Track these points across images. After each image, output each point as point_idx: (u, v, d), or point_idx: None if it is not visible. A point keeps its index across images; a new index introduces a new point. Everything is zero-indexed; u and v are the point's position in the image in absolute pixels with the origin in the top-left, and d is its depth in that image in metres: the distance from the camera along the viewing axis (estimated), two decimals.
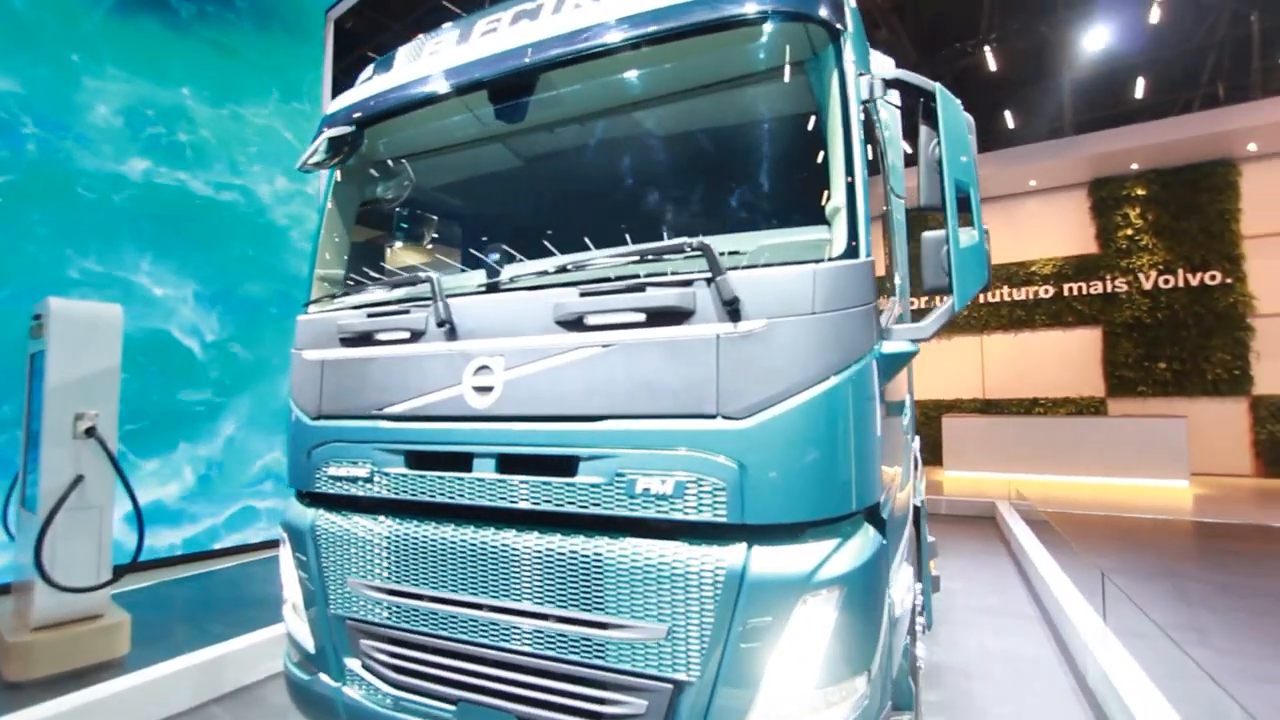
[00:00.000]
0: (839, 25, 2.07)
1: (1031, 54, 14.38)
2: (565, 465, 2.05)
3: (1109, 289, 14.07)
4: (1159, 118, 13.32)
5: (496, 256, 2.38)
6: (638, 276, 2.06)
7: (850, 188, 1.96)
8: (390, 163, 2.96)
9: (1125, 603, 4.38)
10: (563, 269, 2.21)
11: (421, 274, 2.54)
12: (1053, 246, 14.76)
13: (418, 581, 2.30)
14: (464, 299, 2.33)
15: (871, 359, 1.92)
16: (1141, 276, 13.75)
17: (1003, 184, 14.57)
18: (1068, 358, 14.45)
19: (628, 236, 2.23)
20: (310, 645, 2.59)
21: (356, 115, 2.73)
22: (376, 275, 2.85)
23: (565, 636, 2.03)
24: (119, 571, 4.16)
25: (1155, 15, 12.46)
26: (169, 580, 5.89)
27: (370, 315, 2.51)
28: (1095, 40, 13.30)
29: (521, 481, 2.11)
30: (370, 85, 2.79)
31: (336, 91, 5.19)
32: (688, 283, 1.96)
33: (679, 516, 1.88)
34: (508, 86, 2.45)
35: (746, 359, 1.86)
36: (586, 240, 2.33)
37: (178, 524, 6.41)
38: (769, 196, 2.29)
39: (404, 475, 2.35)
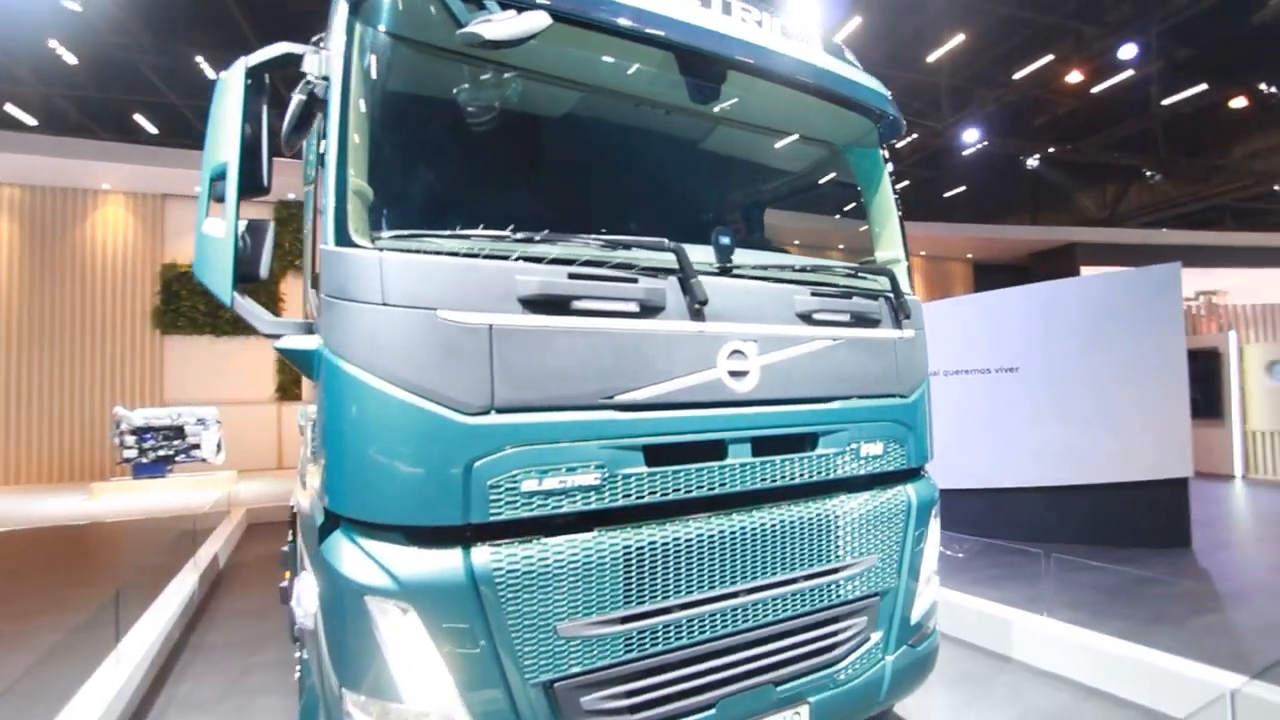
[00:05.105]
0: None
1: None
2: (805, 442, 2.49)
3: None
4: None
5: (726, 240, 2.39)
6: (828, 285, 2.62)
7: (904, 246, 3.02)
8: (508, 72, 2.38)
9: None
10: (803, 269, 2.62)
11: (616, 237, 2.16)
12: None
13: (667, 593, 2.12)
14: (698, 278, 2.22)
15: None
16: None
17: None
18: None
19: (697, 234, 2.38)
20: None
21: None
22: (490, 224, 2.07)
23: (814, 591, 2.45)
24: None
25: None
26: None
27: (573, 275, 2.05)
28: None
29: (783, 460, 2.39)
30: None
31: None
32: (875, 296, 2.76)
33: (885, 470, 2.71)
34: (689, 59, 2.40)
35: (908, 354, 2.85)
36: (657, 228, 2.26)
37: None
38: (837, 237, 3.32)
39: (650, 475, 2.10)
